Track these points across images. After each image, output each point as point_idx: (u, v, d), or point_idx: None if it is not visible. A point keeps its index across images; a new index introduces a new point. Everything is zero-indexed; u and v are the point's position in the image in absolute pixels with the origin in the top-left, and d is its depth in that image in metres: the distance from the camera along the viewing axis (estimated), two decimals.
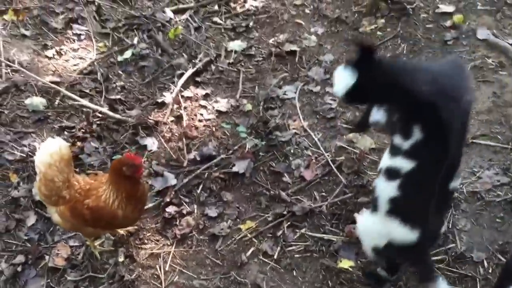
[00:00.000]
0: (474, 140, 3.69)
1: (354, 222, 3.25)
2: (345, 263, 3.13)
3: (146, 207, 3.22)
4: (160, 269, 3.15)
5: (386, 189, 2.63)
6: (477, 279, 3.03)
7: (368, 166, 3.63)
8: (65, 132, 3.83)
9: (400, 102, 2.60)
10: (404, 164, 2.54)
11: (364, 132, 3.58)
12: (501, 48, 4.26)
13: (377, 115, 2.81)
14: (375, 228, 2.69)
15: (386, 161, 2.65)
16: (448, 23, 4.44)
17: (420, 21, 4.48)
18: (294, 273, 3.13)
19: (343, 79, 2.60)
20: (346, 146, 3.74)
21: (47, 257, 3.21)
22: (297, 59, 4.35)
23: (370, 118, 2.89)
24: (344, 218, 3.34)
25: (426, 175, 2.53)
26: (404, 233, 2.58)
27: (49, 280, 3.13)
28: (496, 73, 4.13)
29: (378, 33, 4.43)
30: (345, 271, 3.09)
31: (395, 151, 2.59)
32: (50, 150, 2.85)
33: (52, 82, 4.13)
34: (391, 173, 2.60)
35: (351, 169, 3.60)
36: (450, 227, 3.24)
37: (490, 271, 3.06)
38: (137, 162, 2.86)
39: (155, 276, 3.13)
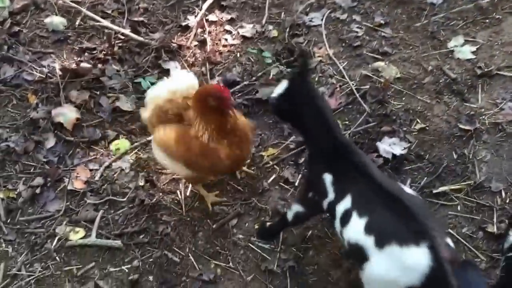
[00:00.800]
0: (498, 72, 3.36)
1: (376, 151, 3.01)
2: None
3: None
4: (181, 194, 2.92)
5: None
6: (494, 209, 2.77)
7: (392, 95, 3.30)
8: (86, 54, 3.55)
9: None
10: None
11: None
12: None
13: None
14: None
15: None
16: None
17: None
18: None
19: (278, 87, 2.42)
20: (371, 75, 3.41)
21: (66, 179, 3.00)
22: None
23: None
24: (366, 147, 3.05)
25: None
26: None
27: (68, 203, 2.92)
28: None
29: None
30: None
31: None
32: (175, 86, 2.56)
33: (73, 1, 3.81)
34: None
35: (375, 98, 3.28)
36: (470, 157, 2.97)
37: (507, 201, 2.81)
38: (224, 94, 2.44)
39: (176, 201, 2.90)
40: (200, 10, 3.78)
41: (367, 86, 3.35)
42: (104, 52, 3.51)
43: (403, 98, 3.31)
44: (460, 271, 1.84)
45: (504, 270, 2.03)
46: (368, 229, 2.08)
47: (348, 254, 2.52)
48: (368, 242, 2.06)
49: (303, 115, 2.32)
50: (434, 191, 2.85)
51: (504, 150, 3.03)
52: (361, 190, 2.17)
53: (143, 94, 2.96)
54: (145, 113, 2.68)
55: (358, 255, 2.12)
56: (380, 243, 2.02)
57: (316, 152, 2.40)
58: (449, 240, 2.02)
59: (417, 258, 1.92)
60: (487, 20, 3.70)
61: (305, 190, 2.54)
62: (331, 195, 2.27)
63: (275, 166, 3.03)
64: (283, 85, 2.39)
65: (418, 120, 3.18)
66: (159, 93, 2.57)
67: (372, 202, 2.11)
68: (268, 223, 2.79)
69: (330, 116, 2.34)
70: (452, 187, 2.88)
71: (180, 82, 2.55)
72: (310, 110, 2.30)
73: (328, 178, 2.28)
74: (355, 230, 2.13)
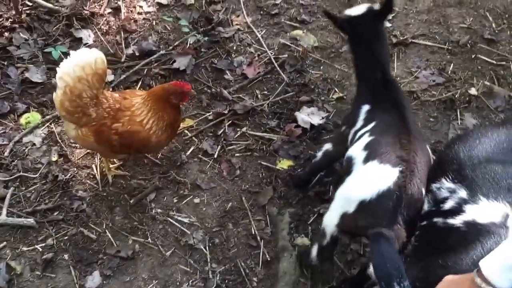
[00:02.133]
0: (413, 40, 3.46)
1: (295, 121, 3.04)
2: (284, 163, 2.90)
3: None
4: (97, 169, 2.82)
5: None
6: None
7: (310, 64, 3.32)
8: None
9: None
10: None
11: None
12: None
13: None
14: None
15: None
16: None
17: None
18: (234, 172, 2.87)
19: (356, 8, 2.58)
20: (289, 44, 3.40)
21: None
22: None
23: None
24: (285, 117, 3.07)
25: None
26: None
27: None
28: None
29: None
30: (283, 171, 2.87)
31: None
32: (82, 62, 2.29)
33: None
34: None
35: (293, 67, 3.29)
36: None
37: None
38: (186, 89, 2.44)
39: (91, 176, 2.81)
40: None
41: (286, 55, 3.35)
42: (11, 20, 3.29)
43: (321, 67, 3.33)
44: (373, 243, 1.90)
45: (418, 239, 2.09)
46: (367, 146, 2.26)
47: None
48: (359, 156, 2.24)
49: (366, 46, 2.50)
50: None
51: (419, 118, 3.13)
52: (385, 119, 2.35)
53: (54, 64, 2.82)
54: (56, 96, 2.44)
55: (346, 169, 2.29)
56: (367, 159, 2.20)
57: (365, 84, 2.55)
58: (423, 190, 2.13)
59: (385, 175, 2.07)
60: None
61: (339, 127, 2.74)
62: (359, 124, 2.44)
63: (193, 138, 2.98)
64: (361, 9, 2.54)
65: (336, 89, 3.22)
66: (67, 70, 2.34)
67: (387, 130, 2.29)
68: (299, 171, 2.86)
69: (386, 56, 2.58)
70: None
71: (86, 57, 2.35)
72: (373, 45, 2.49)
73: (365, 108, 2.47)
74: (358, 146, 2.30)
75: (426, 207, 2.08)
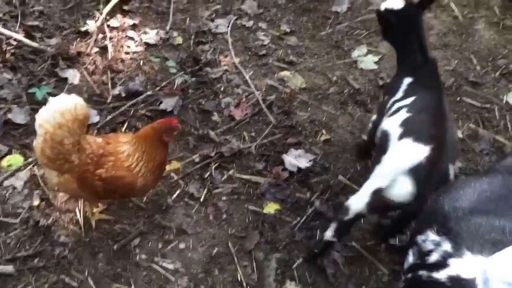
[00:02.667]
0: None
1: (282, 163, 3.00)
2: (271, 207, 2.85)
3: None
4: (80, 213, 2.74)
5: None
6: None
7: (298, 106, 3.30)
8: None
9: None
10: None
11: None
12: None
13: None
14: None
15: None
16: None
17: None
18: (220, 216, 2.81)
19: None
20: (277, 85, 3.39)
21: None
22: None
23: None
24: (273, 159, 3.03)
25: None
26: None
27: None
28: (423, 15, 3.83)
29: None
30: (270, 215, 2.81)
31: None
32: (62, 108, 2.22)
33: None
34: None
35: (281, 108, 3.27)
36: None
37: None
38: (174, 123, 2.41)
39: (74, 221, 2.72)
40: (101, 14, 3.59)
41: (273, 96, 3.33)
42: None
43: (309, 109, 3.32)
44: None
45: None
46: (403, 123, 2.41)
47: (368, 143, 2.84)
48: (395, 133, 2.40)
49: (409, 34, 2.67)
50: (338, 201, 2.86)
51: None
52: (423, 97, 2.50)
53: (38, 105, 2.77)
54: (36, 143, 2.35)
55: (381, 145, 2.46)
56: (402, 136, 2.36)
57: (408, 61, 2.70)
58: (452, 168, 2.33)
59: (418, 152, 2.24)
60: None
61: (381, 97, 2.87)
62: (399, 95, 2.61)
63: (179, 181, 2.93)
64: (400, 3, 2.68)
65: (324, 131, 3.20)
66: (46, 117, 2.27)
67: (423, 108, 2.44)
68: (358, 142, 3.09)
69: (425, 39, 2.71)
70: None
71: (65, 103, 2.28)
72: (417, 31, 2.67)
73: (407, 80, 2.64)
74: (394, 120, 2.47)
75: (411, 259, 2.05)
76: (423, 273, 1.95)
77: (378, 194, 2.31)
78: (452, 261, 1.89)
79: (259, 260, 2.66)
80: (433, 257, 1.96)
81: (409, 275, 2.01)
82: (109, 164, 2.40)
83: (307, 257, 2.67)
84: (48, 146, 2.29)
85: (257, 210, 2.84)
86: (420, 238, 2.05)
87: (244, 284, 2.59)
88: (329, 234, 2.50)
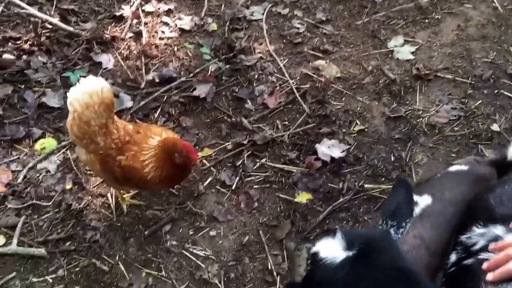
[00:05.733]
0: (436, 74, 3.31)
1: (315, 153, 2.90)
2: (303, 197, 2.76)
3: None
4: (112, 198, 2.70)
5: None
6: None
7: (332, 95, 3.19)
8: (9, 44, 3.22)
9: None
10: None
11: None
12: None
13: None
14: None
15: None
16: None
17: None
18: (252, 205, 2.73)
19: None
20: (312, 74, 3.28)
21: None
22: None
23: None
24: (305, 149, 2.94)
25: None
26: None
27: None
28: (462, 5, 3.74)
29: None
30: (302, 205, 2.72)
31: None
32: (90, 90, 2.21)
33: None
34: None
35: (315, 98, 3.16)
36: (407, 160, 2.90)
37: None
38: (192, 157, 2.32)
39: (106, 205, 2.68)
40: None
41: (308, 85, 3.22)
42: (30, 43, 3.20)
43: (343, 99, 3.21)
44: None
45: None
46: None
47: None
48: None
49: None
50: (372, 193, 2.78)
51: (440, 153, 2.99)
52: None
53: None
54: (68, 120, 2.36)
55: None
56: None
57: None
58: None
59: None
60: (426, 20, 3.65)
61: None
62: None
63: (211, 168, 2.86)
64: None
65: (358, 122, 3.09)
66: (76, 96, 2.26)
67: None
68: None
69: None
70: (385, 187, 2.79)
71: (92, 84, 2.26)
72: None
73: None
74: None
75: (453, 258, 1.94)
76: (468, 261, 1.85)
77: None
78: (507, 237, 1.79)
79: (290, 250, 2.58)
80: (480, 244, 1.85)
81: (452, 269, 1.91)
82: (130, 153, 2.34)
83: None
84: (76, 125, 2.28)
85: (289, 199, 2.75)
86: (463, 237, 1.95)
87: (275, 273, 2.51)
88: None
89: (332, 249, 1.52)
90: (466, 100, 3.22)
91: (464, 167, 2.34)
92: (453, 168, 2.37)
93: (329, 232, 1.66)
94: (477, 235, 1.90)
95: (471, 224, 1.95)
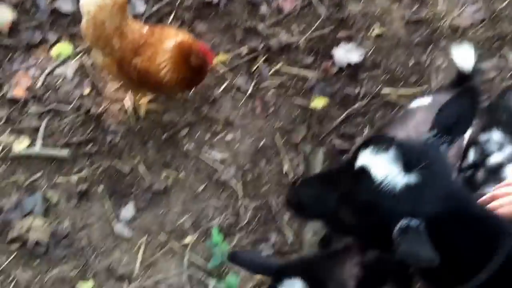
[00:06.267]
0: None
1: (331, 58, 2.86)
2: (319, 101, 2.77)
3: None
4: (129, 103, 2.71)
5: None
6: None
7: None
8: None
9: None
10: None
11: None
12: None
13: None
14: None
15: None
16: None
17: None
18: (267, 110, 2.76)
19: None
20: None
21: (5, 87, 2.74)
22: None
23: None
24: (322, 53, 2.89)
25: None
26: None
27: (9, 113, 2.70)
28: None
29: None
30: (318, 110, 2.74)
31: None
32: None
33: None
34: None
35: (332, 0, 3.06)
36: (427, 65, 2.85)
37: None
38: (209, 59, 2.34)
39: (124, 110, 2.71)
40: None
41: None
42: None
43: (361, 1, 3.09)
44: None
45: None
46: None
47: None
48: None
49: None
50: (389, 98, 2.77)
51: None
52: None
53: None
54: (82, 23, 2.37)
55: None
56: None
57: None
58: None
59: None
60: None
61: None
62: None
63: (226, 74, 2.84)
64: None
65: (376, 25, 3.01)
66: None
67: None
68: None
69: None
70: (403, 92, 2.79)
71: None
72: None
73: None
74: None
75: (472, 157, 1.95)
76: (480, 174, 1.87)
77: None
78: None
79: (306, 153, 2.64)
80: (494, 159, 1.86)
81: (468, 173, 1.92)
82: (146, 55, 2.35)
83: None
84: (91, 27, 2.28)
85: (305, 104, 2.77)
86: (483, 137, 1.94)
87: (290, 176, 2.59)
88: None
89: (388, 169, 1.31)
90: (492, 1, 3.10)
91: (425, 101, 2.20)
92: (413, 105, 2.23)
93: (375, 139, 1.43)
94: (495, 143, 1.90)
95: (491, 124, 1.94)
